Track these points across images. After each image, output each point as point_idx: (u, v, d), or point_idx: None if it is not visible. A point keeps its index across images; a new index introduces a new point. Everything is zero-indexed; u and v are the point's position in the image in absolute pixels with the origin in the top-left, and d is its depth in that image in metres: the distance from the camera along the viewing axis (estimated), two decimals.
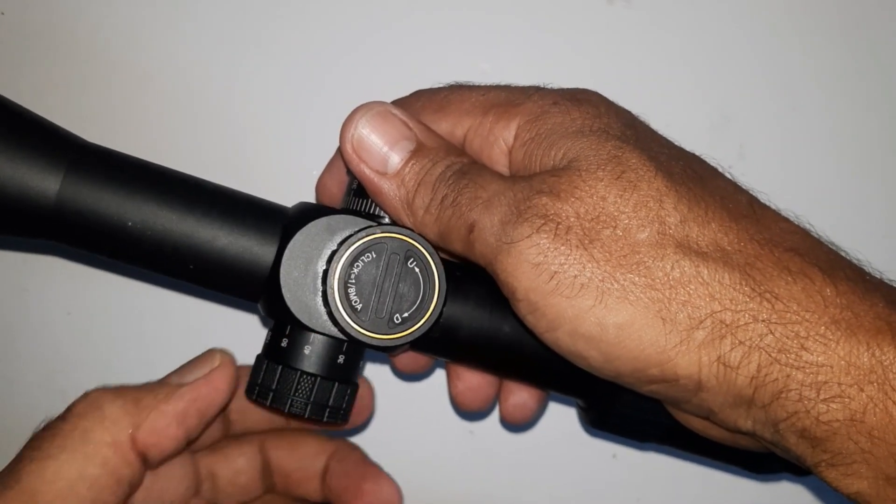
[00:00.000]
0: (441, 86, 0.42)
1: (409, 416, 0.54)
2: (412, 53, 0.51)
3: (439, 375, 0.54)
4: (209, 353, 0.40)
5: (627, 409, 0.42)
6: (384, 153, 0.38)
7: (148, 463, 0.38)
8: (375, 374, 0.54)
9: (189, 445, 0.41)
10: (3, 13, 0.51)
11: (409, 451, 0.54)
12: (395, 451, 0.54)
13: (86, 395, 0.37)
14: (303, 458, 0.45)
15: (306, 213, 0.39)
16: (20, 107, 0.39)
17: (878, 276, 0.36)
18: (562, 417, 0.54)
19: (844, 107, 0.53)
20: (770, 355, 0.33)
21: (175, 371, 0.40)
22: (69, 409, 0.37)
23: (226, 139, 0.52)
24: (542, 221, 0.34)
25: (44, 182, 0.37)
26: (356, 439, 0.54)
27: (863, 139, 0.54)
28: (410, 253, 0.38)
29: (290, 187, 0.45)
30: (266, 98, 0.52)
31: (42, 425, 0.37)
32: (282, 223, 0.39)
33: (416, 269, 0.38)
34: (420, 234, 0.38)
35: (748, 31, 0.53)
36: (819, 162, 0.52)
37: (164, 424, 0.37)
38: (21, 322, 0.53)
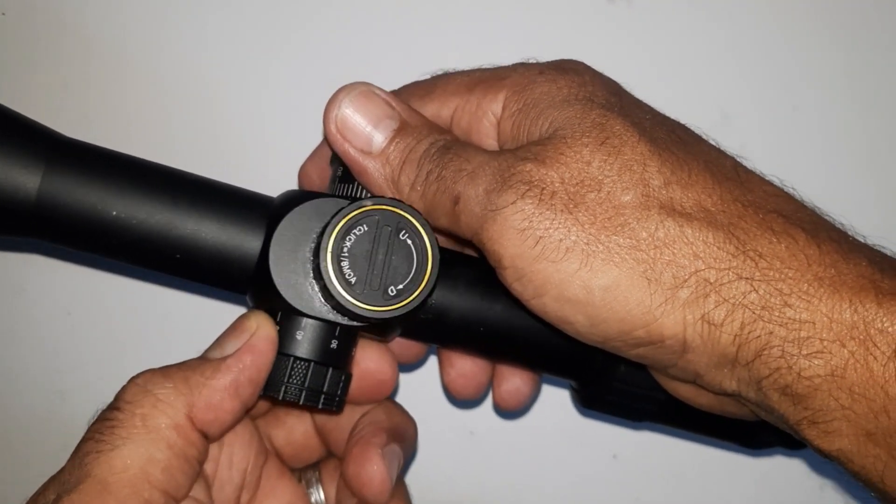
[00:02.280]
0: (427, 77, 0.42)
1: None
2: (406, 51, 0.51)
3: (438, 376, 0.54)
4: (243, 318, 0.39)
5: (622, 388, 0.42)
6: (368, 132, 0.38)
7: (210, 438, 0.38)
8: None
9: (248, 412, 0.40)
10: (3, 14, 0.51)
11: None
12: None
13: (133, 382, 0.37)
14: (340, 416, 0.43)
15: (293, 199, 0.39)
16: None
17: (860, 240, 0.36)
18: (562, 417, 0.54)
19: (844, 107, 0.53)
20: (754, 312, 0.33)
21: (215, 343, 0.39)
22: (119, 398, 0.36)
23: (219, 134, 0.52)
24: (527, 187, 0.34)
25: (24, 179, 0.37)
26: None
27: (863, 139, 0.54)
28: (402, 225, 0.38)
29: (275, 181, 0.45)
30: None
31: (95, 417, 0.36)
32: (268, 211, 0.39)
33: (409, 241, 0.38)
34: (411, 206, 0.38)
35: (748, 30, 0.53)
36: (819, 161, 0.52)
37: (217, 399, 0.37)
38: (21, 322, 0.53)
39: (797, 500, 0.55)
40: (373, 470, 0.40)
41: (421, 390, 0.54)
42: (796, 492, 0.55)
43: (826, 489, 0.55)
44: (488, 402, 0.54)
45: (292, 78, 0.52)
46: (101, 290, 0.53)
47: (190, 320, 0.53)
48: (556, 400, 0.54)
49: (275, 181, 0.47)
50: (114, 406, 0.36)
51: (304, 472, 0.44)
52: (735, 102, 0.52)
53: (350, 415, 0.43)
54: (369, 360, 0.42)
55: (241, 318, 0.39)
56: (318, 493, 0.44)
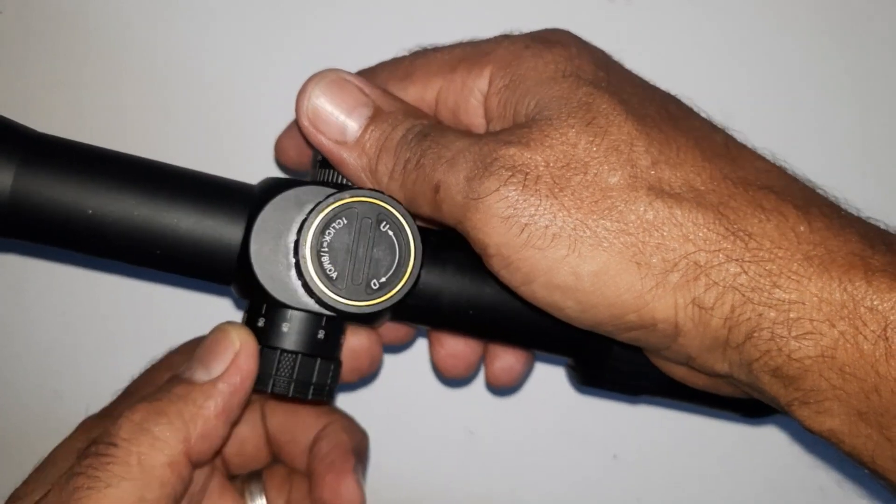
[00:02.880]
0: (404, 54, 0.41)
1: (409, 416, 0.54)
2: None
3: (438, 376, 0.54)
4: (223, 333, 0.38)
5: (618, 364, 0.41)
6: (341, 122, 0.38)
7: (200, 466, 0.37)
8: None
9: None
10: (1, 12, 0.51)
11: (409, 451, 0.54)
12: (394, 452, 0.54)
13: (127, 418, 0.35)
14: (295, 428, 0.43)
15: (273, 188, 0.38)
16: None
17: (854, 213, 0.36)
18: (562, 417, 0.54)
19: (844, 107, 0.53)
20: (743, 295, 0.33)
21: (197, 360, 0.38)
22: (114, 434, 0.35)
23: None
24: (510, 173, 0.34)
25: None
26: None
27: (863, 139, 0.54)
28: (382, 216, 0.37)
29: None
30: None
31: (91, 450, 0.35)
32: (248, 200, 0.38)
33: (390, 232, 0.37)
34: (391, 196, 0.37)
35: (748, 29, 0.53)
36: (819, 161, 0.52)
37: (212, 427, 0.36)
38: (17, 323, 0.53)
39: (798, 501, 0.55)
40: (350, 496, 0.40)
41: (420, 389, 0.54)
42: (797, 493, 0.55)
43: (826, 491, 0.54)
44: (488, 401, 0.54)
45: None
46: (96, 290, 0.53)
47: (186, 319, 0.52)
48: (555, 399, 0.54)
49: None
50: (109, 442, 0.35)
51: (246, 483, 0.44)
52: (735, 102, 0.52)
53: (303, 426, 0.43)
54: (356, 339, 0.43)
55: (220, 331, 0.38)
56: None
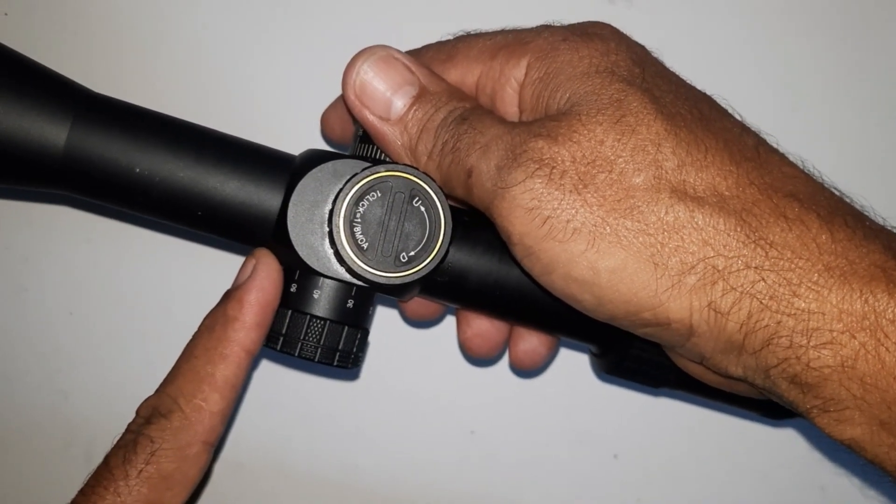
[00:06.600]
0: (449, 37, 0.42)
1: (410, 416, 0.54)
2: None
3: (439, 376, 0.54)
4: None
5: (641, 354, 0.42)
6: (387, 98, 0.38)
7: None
8: (375, 374, 0.54)
9: None
10: (6, 14, 0.52)
11: (410, 451, 0.54)
12: (395, 451, 0.54)
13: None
14: None
15: (313, 159, 0.40)
16: (29, 59, 0.40)
17: (880, 223, 0.36)
18: (562, 417, 0.54)
19: (844, 107, 0.53)
20: (761, 302, 0.33)
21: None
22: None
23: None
24: (537, 166, 0.34)
25: (53, 131, 0.38)
26: (361, 444, 0.54)
27: (863, 139, 0.54)
28: (415, 192, 0.38)
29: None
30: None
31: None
32: (289, 169, 0.40)
33: (422, 208, 0.38)
34: (425, 173, 0.38)
35: (748, 30, 0.53)
36: (818, 162, 0.52)
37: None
38: (22, 322, 0.53)
39: (797, 501, 0.55)
40: None
41: (421, 390, 0.54)
42: (796, 492, 0.55)
43: (827, 490, 0.55)
44: (488, 401, 0.54)
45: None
46: (102, 289, 0.53)
47: (190, 320, 0.53)
48: (556, 399, 0.54)
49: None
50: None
51: None
52: (735, 103, 0.52)
53: None
54: None
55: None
56: None
